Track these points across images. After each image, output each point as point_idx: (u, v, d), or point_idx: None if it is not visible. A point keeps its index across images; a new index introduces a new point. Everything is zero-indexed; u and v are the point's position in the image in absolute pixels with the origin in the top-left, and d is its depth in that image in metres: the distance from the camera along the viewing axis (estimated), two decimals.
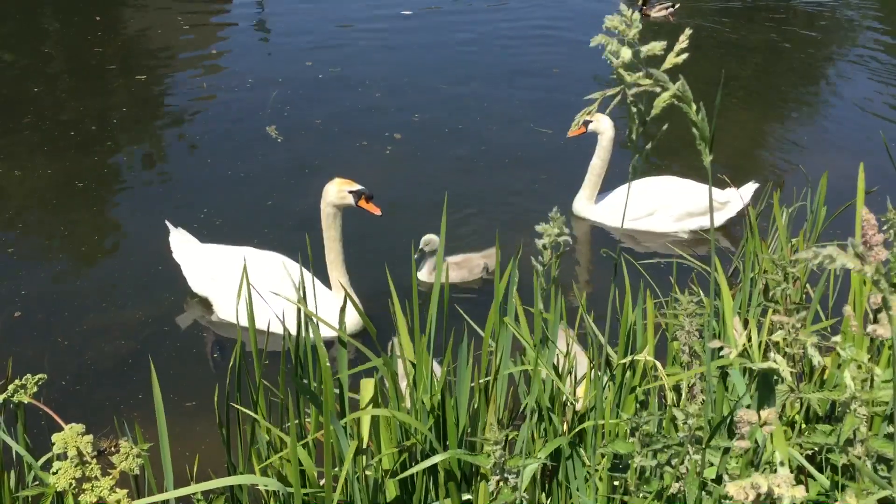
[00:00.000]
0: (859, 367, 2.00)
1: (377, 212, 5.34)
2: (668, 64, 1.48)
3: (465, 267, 6.04)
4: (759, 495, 1.08)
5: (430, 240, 5.99)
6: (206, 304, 5.70)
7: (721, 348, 1.96)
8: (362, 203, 5.26)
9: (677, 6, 12.12)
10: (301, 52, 10.26)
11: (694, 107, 1.41)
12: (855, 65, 10.75)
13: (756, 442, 1.94)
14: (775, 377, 1.53)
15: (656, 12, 12.01)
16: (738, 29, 11.83)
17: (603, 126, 6.52)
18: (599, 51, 1.69)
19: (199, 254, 5.67)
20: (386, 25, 11.40)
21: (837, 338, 1.55)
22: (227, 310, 5.54)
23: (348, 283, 5.37)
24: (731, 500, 1.11)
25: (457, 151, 8.02)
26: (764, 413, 1.27)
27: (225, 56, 10.31)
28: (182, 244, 5.72)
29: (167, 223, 5.72)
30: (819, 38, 11.79)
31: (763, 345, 3.08)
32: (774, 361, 1.47)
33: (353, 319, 5.39)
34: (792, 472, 2.14)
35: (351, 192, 5.18)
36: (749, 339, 2.99)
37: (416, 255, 6.03)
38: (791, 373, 2.80)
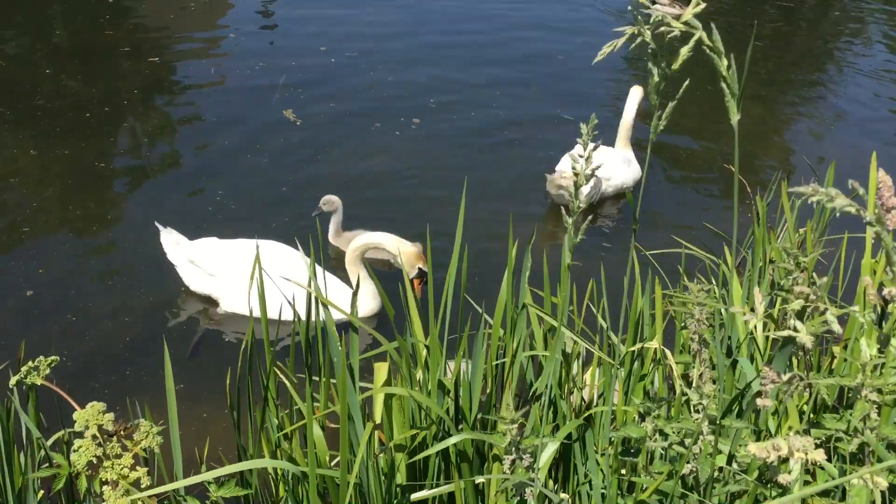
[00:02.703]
0: (871, 356, 2.02)
1: (418, 294, 5.52)
2: (689, 13, 1.48)
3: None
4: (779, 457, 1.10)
5: (328, 199, 6.14)
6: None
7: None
8: (415, 280, 5.45)
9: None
10: (314, 37, 10.24)
11: (725, 61, 1.41)
12: (866, 54, 10.73)
13: (769, 428, 1.96)
14: (793, 349, 1.54)
15: (666, 6, 11.46)
16: (747, 17, 11.79)
17: (633, 93, 7.05)
18: (603, 38, 1.70)
19: (193, 252, 5.59)
20: (396, 13, 11.38)
21: (855, 307, 1.55)
22: (234, 303, 5.54)
23: (366, 277, 5.46)
24: (743, 479, 1.13)
25: (474, 137, 8.06)
26: (786, 376, 1.28)
27: (238, 40, 10.29)
28: (174, 244, 5.64)
29: (157, 224, 5.65)
30: (829, 26, 11.76)
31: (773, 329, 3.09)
32: (794, 329, 1.48)
33: (369, 305, 5.49)
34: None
35: (420, 268, 5.36)
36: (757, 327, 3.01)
37: (314, 213, 6.16)
38: (800, 359, 2.82)
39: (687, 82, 1.86)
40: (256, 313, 4.62)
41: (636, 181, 7.14)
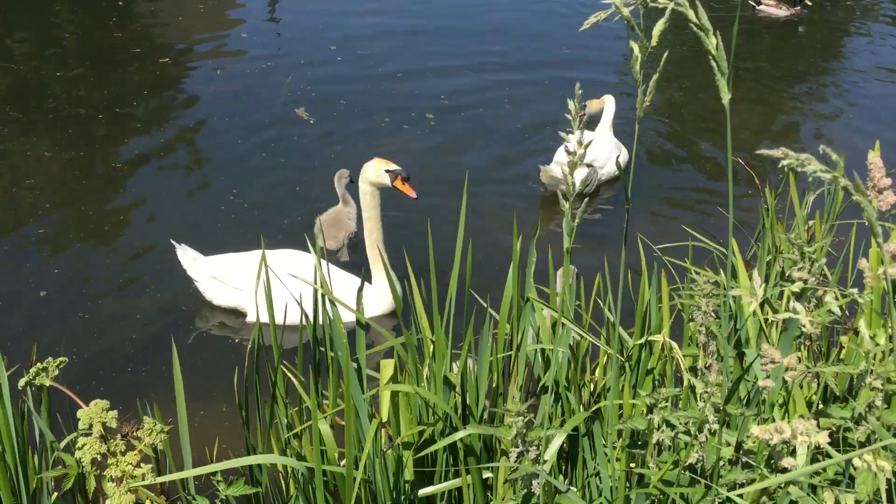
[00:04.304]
0: (877, 344, 2.01)
1: (412, 194, 5.49)
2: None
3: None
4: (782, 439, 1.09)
5: (341, 172, 6.41)
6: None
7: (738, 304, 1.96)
8: (398, 184, 5.40)
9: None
10: (323, 37, 10.28)
11: (713, 39, 1.40)
12: (874, 42, 10.67)
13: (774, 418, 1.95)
14: (800, 337, 1.53)
15: (772, 7, 11.07)
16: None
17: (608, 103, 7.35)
18: (608, 31, 1.71)
19: (216, 268, 5.54)
20: (405, 11, 11.40)
21: (854, 290, 1.55)
22: (262, 313, 5.54)
23: (387, 263, 5.45)
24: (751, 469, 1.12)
25: (484, 132, 8.10)
26: (785, 359, 1.27)
27: (248, 40, 10.33)
28: (191, 260, 5.56)
29: (172, 241, 5.56)
30: (836, 15, 11.71)
31: (779, 324, 3.08)
32: (794, 311, 1.47)
33: (389, 302, 5.53)
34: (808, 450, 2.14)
35: (387, 171, 5.31)
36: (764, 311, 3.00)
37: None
38: (808, 349, 2.81)
39: (666, 54, 1.86)
40: (280, 320, 4.65)
41: (625, 165, 7.34)
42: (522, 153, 7.68)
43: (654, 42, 1.56)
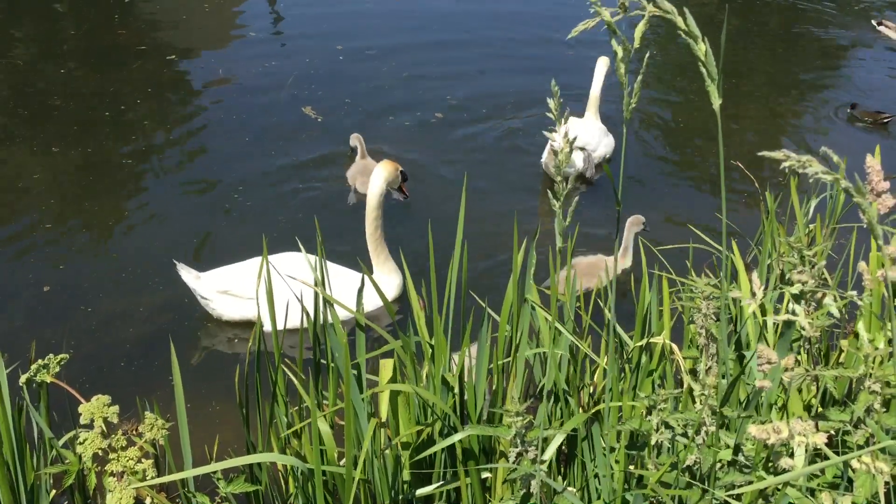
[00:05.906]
0: (876, 348, 2.01)
1: (406, 195, 5.88)
2: None
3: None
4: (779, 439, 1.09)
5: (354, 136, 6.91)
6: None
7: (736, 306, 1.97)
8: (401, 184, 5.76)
9: None
10: (328, 36, 10.27)
11: (702, 45, 1.41)
12: (876, 52, 10.66)
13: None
14: (795, 331, 1.53)
15: (892, 30, 10.88)
16: (753, 13, 11.73)
17: (599, 65, 7.34)
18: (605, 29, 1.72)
19: (222, 282, 5.41)
20: (412, 8, 11.41)
21: (853, 292, 1.55)
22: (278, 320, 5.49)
23: (388, 257, 5.65)
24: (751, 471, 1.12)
25: (488, 131, 8.12)
26: (783, 360, 1.28)
27: (253, 38, 10.34)
28: (195, 279, 5.41)
29: (174, 261, 5.39)
30: (837, 21, 11.71)
31: (780, 327, 3.08)
32: (793, 313, 1.47)
33: (391, 293, 5.66)
34: (807, 452, 2.14)
35: (401, 170, 5.67)
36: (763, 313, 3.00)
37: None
38: (807, 353, 2.81)
39: (647, 55, 1.87)
40: (283, 321, 4.68)
41: (612, 151, 7.43)
42: (526, 154, 7.68)
43: (636, 44, 1.57)
